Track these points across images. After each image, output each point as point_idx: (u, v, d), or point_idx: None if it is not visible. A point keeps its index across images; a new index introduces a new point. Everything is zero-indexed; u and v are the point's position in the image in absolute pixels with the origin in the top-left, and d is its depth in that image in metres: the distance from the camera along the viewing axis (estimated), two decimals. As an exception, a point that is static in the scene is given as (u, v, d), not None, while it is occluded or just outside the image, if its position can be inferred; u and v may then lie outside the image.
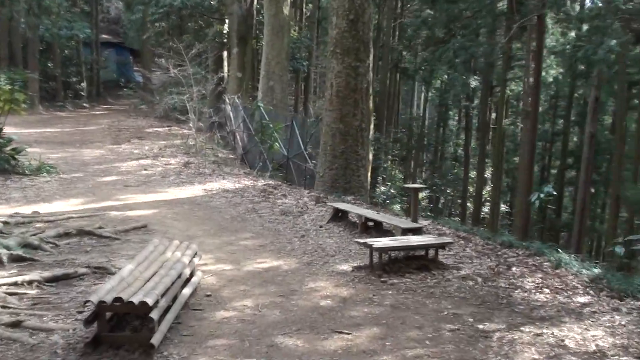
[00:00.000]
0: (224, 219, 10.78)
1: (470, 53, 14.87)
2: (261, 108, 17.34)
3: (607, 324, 5.75)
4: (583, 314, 6.03)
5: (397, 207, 29.43)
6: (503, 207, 33.92)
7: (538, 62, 16.37)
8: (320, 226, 10.06)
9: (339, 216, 10.37)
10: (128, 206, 11.46)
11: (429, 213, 33.56)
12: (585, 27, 27.82)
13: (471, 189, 35.04)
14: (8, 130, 15.09)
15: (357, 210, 10.00)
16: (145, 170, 16.01)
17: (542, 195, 8.33)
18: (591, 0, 26.12)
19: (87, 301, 5.02)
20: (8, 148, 14.02)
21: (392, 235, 9.02)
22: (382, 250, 7.33)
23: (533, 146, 16.36)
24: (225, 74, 27.26)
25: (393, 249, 7.48)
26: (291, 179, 16.48)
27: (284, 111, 20.12)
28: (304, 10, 35.97)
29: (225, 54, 28.46)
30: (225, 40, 28.02)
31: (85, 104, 33.79)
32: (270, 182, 14.72)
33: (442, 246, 7.81)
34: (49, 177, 14.07)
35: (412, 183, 32.83)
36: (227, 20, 27.03)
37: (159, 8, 26.95)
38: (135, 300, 4.95)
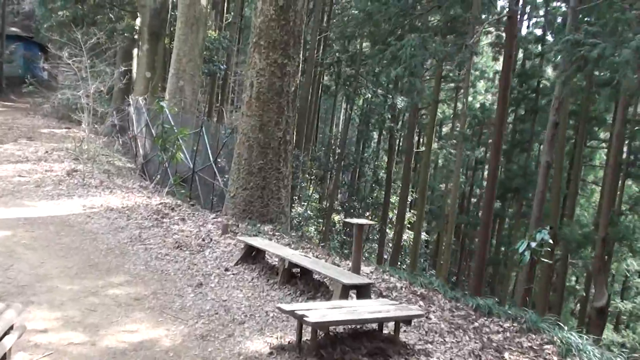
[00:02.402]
0: (97, 250, 8.01)
1: (431, 52, 12.55)
2: (165, 109, 14.52)
3: None
4: None
5: (312, 229, 27.28)
6: (422, 236, 32.30)
7: (507, 69, 14.26)
8: (227, 269, 7.39)
9: (253, 255, 7.73)
10: (-27, 225, 8.63)
11: (344, 237, 31.85)
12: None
13: (391, 214, 33.23)
14: None
15: (278, 250, 7.29)
16: (19, 176, 13.16)
17: (533, 245, 6.07)
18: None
19: None
20: None
21: (326, 288, 6.51)
22: (320, 326, 4.77)
23: (495, 172, 14.08)
24: (134, 73, 24.15)
25: (335, 324, 4.88)
26: (196, 197, 13.77)
27: (193, 116, 17.35)
28: (225, 15, 33.33)
29: (135, 51, 25.39)
30: (136, 37, 24.97)
31: (-17, 100, 30.16)
32: (168, 200, 11.89)
33: (408, 321, 5.32)
34: None
35: (329, 205, 30.63)
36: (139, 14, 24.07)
37: (62, -6, 23.97)
38: None
